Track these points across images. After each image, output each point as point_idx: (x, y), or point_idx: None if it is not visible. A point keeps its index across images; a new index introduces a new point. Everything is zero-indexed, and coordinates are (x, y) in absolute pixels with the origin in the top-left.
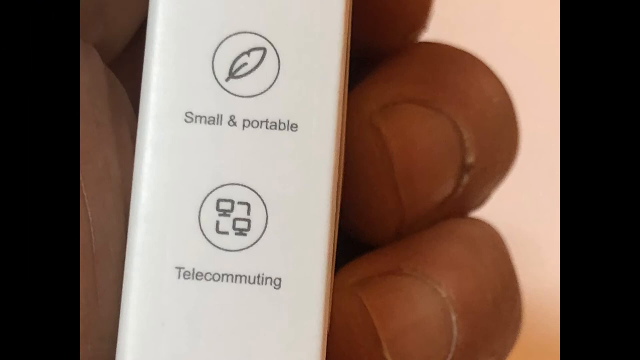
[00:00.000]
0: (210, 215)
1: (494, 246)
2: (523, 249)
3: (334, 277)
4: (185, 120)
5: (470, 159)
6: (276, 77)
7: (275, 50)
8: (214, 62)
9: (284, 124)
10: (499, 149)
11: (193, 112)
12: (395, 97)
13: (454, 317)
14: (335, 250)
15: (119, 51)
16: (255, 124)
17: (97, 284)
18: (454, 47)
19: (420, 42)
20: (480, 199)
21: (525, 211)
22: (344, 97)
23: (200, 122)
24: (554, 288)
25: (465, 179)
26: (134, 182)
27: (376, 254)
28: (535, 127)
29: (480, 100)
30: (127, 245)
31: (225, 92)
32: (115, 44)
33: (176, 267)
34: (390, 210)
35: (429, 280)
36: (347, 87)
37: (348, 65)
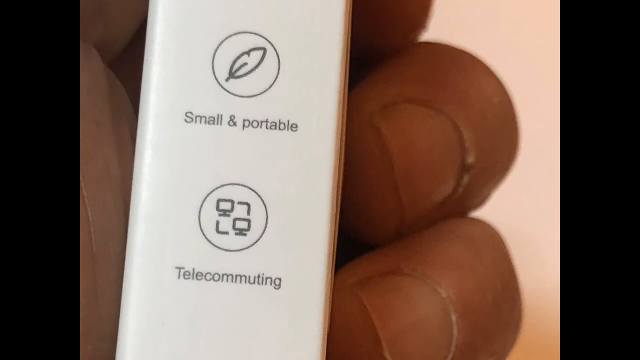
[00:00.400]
0: (210, 215)
1: (494, 246)
2: (523, 249)
3: (334, 277)
4: (185, 120)
5: (470, 159)
6: (276, 77)
7: (275, 50)
8: (214, 62)
9: (284, 124)
10: (499, 149)
11: (193, 112)
12: (395, 97)
13: (454, 317)
14: (335, 250)
15: (119, 51)
16: (255, 124)
17: (97, 284)
18: (454, 47)
19: (420, 42)
20: (480, 199)
21: (525, 211)
22: (344, 97)
23: (200, 122)
24: (554, 288)
25: (465, 179)
26: (134, 182)
27: (376, 254)
28: (535, 127)
29: (480, 100)
30: (127, 245)
31: (225, 92)
32: (115, 44)
33: (176, 267)
34: (390, 210)
35: (429, 280)
36: (347, 87)
37: (348, 65)
